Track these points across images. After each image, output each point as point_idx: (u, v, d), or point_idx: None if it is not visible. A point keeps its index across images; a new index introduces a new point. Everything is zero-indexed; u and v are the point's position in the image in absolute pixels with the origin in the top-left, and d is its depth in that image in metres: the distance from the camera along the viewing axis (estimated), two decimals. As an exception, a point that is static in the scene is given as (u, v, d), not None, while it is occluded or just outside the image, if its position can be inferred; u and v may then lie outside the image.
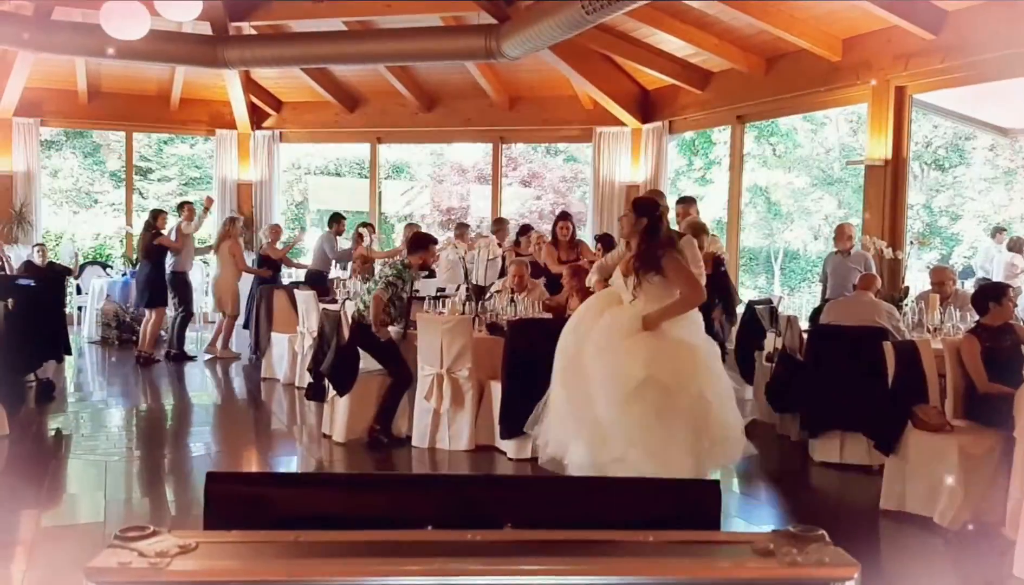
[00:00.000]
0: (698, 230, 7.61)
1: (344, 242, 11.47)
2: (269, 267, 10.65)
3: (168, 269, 10.36)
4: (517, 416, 6.01)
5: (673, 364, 4.48)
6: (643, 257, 4.64)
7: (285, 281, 10.95)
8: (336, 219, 11.38)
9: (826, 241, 20.76)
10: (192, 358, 10.54)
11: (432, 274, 9.15)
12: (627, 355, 4.49)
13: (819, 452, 6.30)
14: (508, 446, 6.19)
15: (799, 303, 17.20)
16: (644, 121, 12.40)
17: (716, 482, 1.48)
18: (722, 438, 4.60)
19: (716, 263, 6.52)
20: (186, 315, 10.52)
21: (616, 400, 4.46)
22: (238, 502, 1.24)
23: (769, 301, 8.47)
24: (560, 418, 4.74)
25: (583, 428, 4.57)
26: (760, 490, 6.13)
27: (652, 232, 4.72)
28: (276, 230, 11.31)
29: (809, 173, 20.66)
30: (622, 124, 12.56)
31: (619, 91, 12.14)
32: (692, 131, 14.79)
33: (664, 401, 4.43)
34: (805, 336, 6.77)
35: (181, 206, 10.89)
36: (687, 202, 7.17)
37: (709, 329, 5.86)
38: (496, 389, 6.24)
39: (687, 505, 1.34)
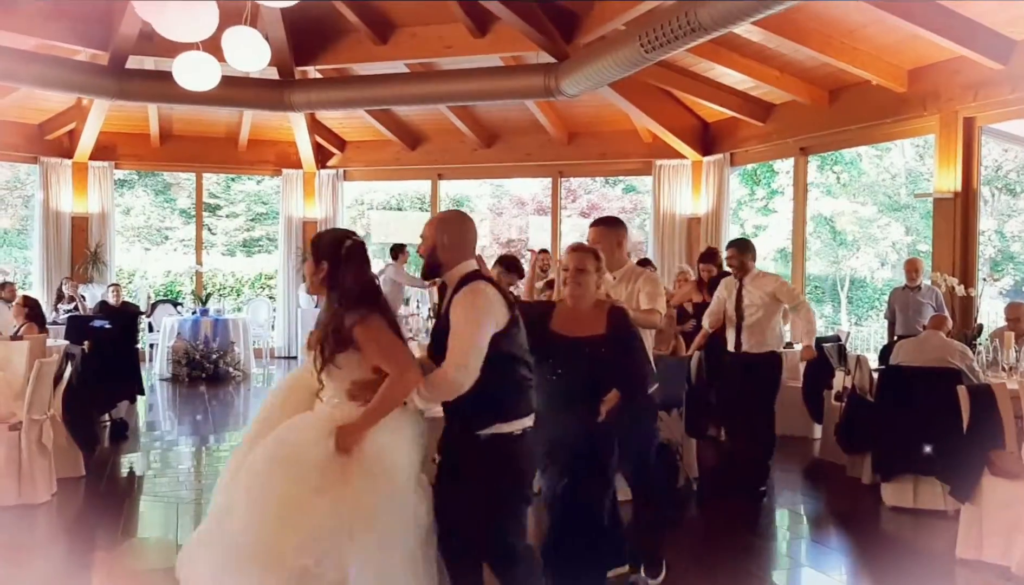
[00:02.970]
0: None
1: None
2: None
3: None
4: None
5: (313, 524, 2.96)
6: (329, 323, 3.17)
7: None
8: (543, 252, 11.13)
9: (893, 268, 20.36)
10: None
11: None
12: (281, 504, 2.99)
13: (891, 496, 6.16)
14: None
15: (867, 333, 16.87)
16: (705, 154, 12.35)
17: None
18: None
19: (611, 317, 4.00)
20: None
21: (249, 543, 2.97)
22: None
23: (837, 338, 8.33)
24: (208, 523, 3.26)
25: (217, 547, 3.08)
26: (830, 535, 6.00)
27: (337, 284, 3.20)
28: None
29: (875, 200, 20.32)
30: (682, 157, 12.52)
31: (679, 124, 12.11)
32: (754, 163, 14.66)
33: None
34: (875, 375, 6.64)
35: (399, 248, 11.10)
36: (600, 224, 4.97)
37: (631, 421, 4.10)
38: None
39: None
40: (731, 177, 12.51)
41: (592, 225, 4.89)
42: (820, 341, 8.05)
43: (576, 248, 4.13)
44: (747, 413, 6.51)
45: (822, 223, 20.01)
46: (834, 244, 20.64)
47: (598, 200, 21.60)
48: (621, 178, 20.48)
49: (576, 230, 20.57)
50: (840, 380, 7.31)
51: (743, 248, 6.58)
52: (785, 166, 18.05)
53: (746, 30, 8.57)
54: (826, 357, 7.63)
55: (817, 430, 8.09)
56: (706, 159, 12.34)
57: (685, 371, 6.70)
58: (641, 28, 7.91)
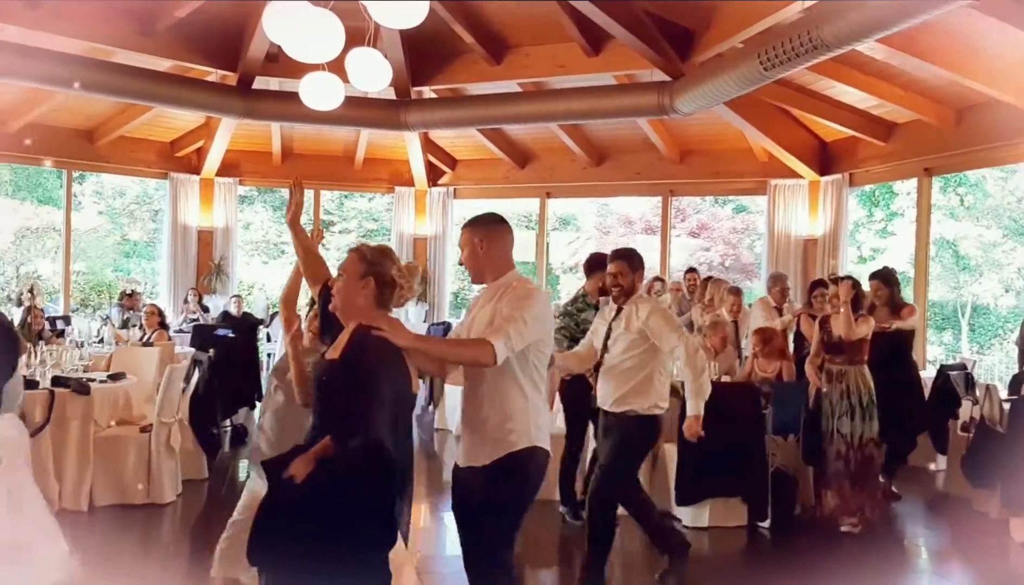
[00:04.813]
0: None
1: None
2: None
3: None
4: (693, 482, 5.93)
5: None
6: None
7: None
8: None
9: (1018, 295, 19.39)
10: None
11: None
12: None
13: (1021, 532, 5.85)
14: (684, 513, 6.08)
15: (990, 362, 16.12)
16: (822, 173, 12.05)
17: None
18: None
19: (351, 336, 3.10)
20: None
21: None
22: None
23: (963, 366, 7.97)
24: None
25: None
26: (953, 571, 5.75)
27: None
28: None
29: (999, 223, 19.43)
30: (799, 176, 12.24)
31: (796, 143, 11.85)
32: (873, 183, 14.22)
33: None
34: (1006, 406, 6.34)
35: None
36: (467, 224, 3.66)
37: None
38: (672, 453, 6.13)
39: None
40: (849, 198, 12.16)
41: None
42: (945, 369, 7.74)
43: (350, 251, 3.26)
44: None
45: (944, 246, 19.25)
46: (956, 269, 19.82)
47: (708, 220, 21.31)
48: (731, 198, 20.16)
49: (684, 250, 20.35)
50: (967, 410, 7.00)
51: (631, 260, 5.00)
52: (905, 187, 17.44)
53: (869, 47, 8.35)
54: (952, 386, 7.33)
55: (941, 461, 7.77)
56: (824, 179, 12.04)
57: (803, 397, 6.52)
58: (760, 46, 7.80)
